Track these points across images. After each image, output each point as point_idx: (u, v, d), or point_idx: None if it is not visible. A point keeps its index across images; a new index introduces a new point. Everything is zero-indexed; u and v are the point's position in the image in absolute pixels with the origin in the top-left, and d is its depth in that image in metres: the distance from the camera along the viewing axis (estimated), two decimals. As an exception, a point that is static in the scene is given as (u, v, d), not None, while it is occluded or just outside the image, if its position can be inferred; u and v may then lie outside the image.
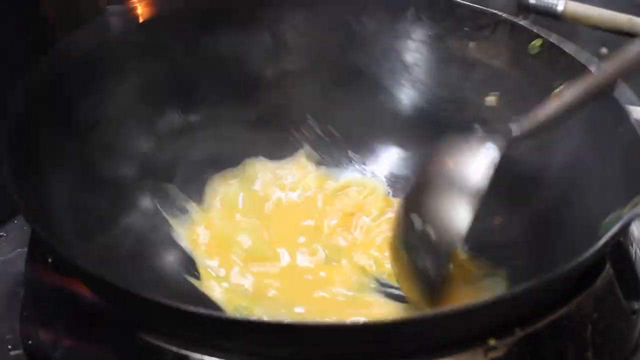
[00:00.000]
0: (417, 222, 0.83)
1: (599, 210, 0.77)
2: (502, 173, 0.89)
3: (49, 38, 1.02)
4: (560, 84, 0.87)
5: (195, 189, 1.02)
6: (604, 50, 1.22)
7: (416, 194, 0.87)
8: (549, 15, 1.13)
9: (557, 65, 0.91)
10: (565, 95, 0.79)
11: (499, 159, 0.81)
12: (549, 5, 1.13)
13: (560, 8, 1.13)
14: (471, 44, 1.01)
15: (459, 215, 0.80)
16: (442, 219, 0.82)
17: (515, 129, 0.81)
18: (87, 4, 1.09)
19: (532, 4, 1.16)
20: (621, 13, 1.08)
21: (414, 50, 1.07)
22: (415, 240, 0.84)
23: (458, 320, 0.64)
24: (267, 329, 0.62)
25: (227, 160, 1.05)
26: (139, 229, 0.93)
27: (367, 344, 0.65)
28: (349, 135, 1.10)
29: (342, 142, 1.10)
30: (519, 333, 0.67)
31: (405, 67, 1.08)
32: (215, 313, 0.61)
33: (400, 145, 1.09)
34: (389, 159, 1.09)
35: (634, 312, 0.77)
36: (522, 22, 0.98)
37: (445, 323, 0.63)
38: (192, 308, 0.61)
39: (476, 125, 0.89)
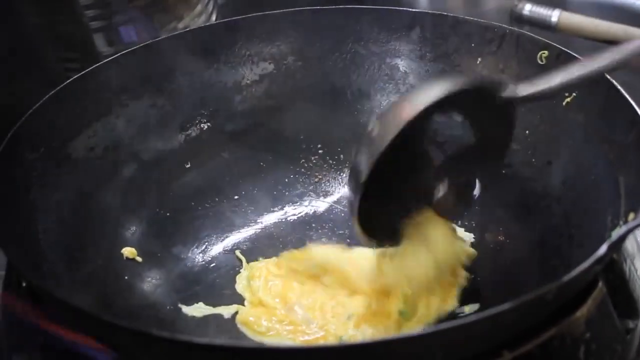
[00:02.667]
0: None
1: (604, 226, 0.75)
2: (507, 190, 0.93)
3: (34, 55, 1.02)
4: (571, 94, 0.88)
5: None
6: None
7: None
8: (544, 27, 1.11)
9: None
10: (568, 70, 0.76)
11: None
12: (544, 17, 1.12)
13: (554, 19, 1.11)
14: (479, 60, 1.00)
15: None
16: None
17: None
18: (72, 22, 1.08)
19: (527, 16, 1.15)
20: (616, 23, 1.05)
21: (421, 70, 1.06)
22: None
23: (437, 343, 0.61)
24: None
25: (226, 185, 1.05)
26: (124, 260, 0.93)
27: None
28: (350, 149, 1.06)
29: (347, 164, 1.08)
30: (507, 356, 0.64)
31: (412, 88, 1.06)
32: (181, 337, 0.58)
33: None
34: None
35: (629, 331, 0.74)
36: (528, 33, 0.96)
37: (423, 345, 0.60)
38: (165, 334, 0.59)
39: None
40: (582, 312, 0.68)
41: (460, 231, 0.97)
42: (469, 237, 0.96)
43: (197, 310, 0.89)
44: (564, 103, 0.90)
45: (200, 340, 0.57)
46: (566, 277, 0.61)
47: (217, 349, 0.58)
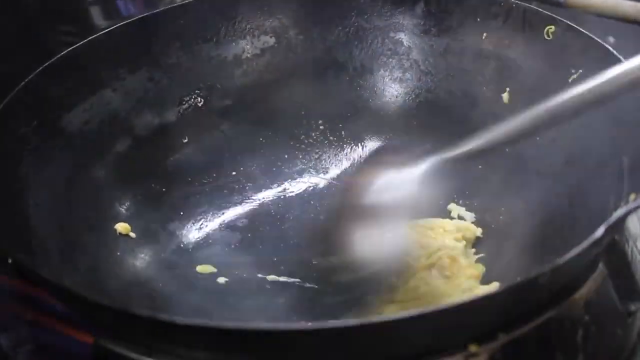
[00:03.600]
0: None
1: (607, 207, 0.73)
2: (510, 169, 0.91)
3: (32, 29, 1.02)
4: (577, 70, 0.87)
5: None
6: (610, 39, 1.17)
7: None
8: (552, 3, 1.08)
9: (574, 48, 0.88)
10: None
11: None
12: (553, -7, 1.09)
13: (563, -5, 1.08)
14: (484, 35, 0.98)
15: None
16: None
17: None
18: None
19: (535, -9, 1.12)
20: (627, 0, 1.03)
21: (425, 45, 1.05)
22: None
23: (432, 324, 0.59)
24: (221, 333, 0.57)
25: (224, 161, 1.04)
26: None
27: (332, 350, 0.60)
28: (354, 133, 1.08)
29: (348, 141, 1.08)
30: (503, 338, 0.63)
31: (416, 63, 1.06)
32: (162, 316, 0.57)
33: (415, 143, 1.04)
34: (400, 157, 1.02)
35: (630, 314, 0.72)
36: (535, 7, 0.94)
37: (417, 326, 0.58)
38: (144, 312, 0.58)
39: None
40: (581, 294, 0.67)
41: (462, 210, 0.94)
42: (470, 216, 0.93)
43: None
44: (569, 79, 0.88)
45: (181, 320, 0.55)
46: (560, 260, 0.58)
47: (198, 329, 0.56)
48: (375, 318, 0.60)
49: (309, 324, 0.58)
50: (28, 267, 0.66)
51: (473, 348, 0.62)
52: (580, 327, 0.67)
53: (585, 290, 0.67)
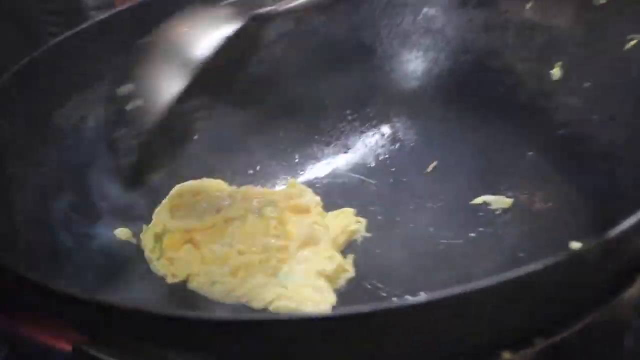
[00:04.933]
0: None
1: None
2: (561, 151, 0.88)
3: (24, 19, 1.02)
4: (637, 37, 0.82)
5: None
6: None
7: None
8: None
9: (628, 13, 0.83)
10: None
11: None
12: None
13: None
14: (528, 5, 0.94)
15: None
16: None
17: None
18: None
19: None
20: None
21: (461, 20, 0.99)
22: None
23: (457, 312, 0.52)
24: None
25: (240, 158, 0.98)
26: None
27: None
28: (381, 117, 1.02)
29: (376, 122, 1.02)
30: (540, 344, 0.57)
31: (453, 40, 1.00)
32: (140, 306, 0.54)
33: (455, 127, 0.99)
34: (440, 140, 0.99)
35: (685, 317, 0.68)
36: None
37: (435, 318, 0.52)
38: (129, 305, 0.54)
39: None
40: (631, 293, 0.61)
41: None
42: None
43: None
44: (626, 47, 0.83)
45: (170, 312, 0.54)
46: (612, 233, 0.53)
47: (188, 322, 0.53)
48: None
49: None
50: (8, 268, 0.62)
51: (506, 355, 0.57)
52: (629, 333, 0.64)
53: (635, 290, 0.61)
